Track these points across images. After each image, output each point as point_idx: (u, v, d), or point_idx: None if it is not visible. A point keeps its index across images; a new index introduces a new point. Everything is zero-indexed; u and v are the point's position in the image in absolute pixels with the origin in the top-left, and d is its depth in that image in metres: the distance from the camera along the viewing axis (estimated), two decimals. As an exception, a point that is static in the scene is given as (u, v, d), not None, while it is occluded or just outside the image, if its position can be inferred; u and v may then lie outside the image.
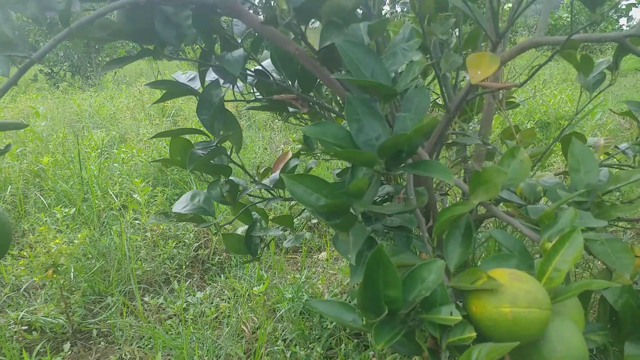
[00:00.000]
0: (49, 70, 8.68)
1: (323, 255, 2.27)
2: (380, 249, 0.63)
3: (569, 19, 11.06)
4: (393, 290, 0.64)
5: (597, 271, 1.68)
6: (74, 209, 2.45)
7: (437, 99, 1.56)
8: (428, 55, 1.06)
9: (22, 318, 1.77)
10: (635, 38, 0.94)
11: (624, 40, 0.93)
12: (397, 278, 0.63)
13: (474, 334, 0.63)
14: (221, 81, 1.02)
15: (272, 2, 0.84)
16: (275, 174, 1.21)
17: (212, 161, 1.08)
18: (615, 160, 1.46)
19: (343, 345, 1.55)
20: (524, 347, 0.67)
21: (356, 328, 0.70)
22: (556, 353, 0.66)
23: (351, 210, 0.80)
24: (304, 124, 1.51)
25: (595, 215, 0.88)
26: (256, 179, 1.21)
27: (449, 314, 0.64)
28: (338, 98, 1.43)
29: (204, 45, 0.99)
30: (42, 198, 2.79)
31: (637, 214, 1.00)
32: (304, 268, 2.16)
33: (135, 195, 2.49)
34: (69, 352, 1.68)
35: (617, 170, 1.30)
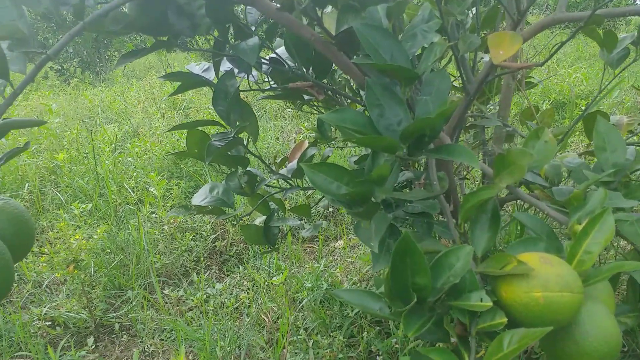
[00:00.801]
0: (60, 67, 8.72)
1: (340, 243, 2.26)
2: (407, 236, 0.61)
3: (581, -4, 10.83)
4: (421, 278, 0.63)
5: (622, 251, 1.66)
6: (91, 204, 2.47)
7: (453, 81, 1.53)
8: (445, 37, 1.04)
9: (45, 314, 1.80)
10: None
11: (649, 14, 0.90)
12: (425, 265, 0.62)
13: (505, 320, 0.62)
14: (236, 71, 1.00)
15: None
16: (293, 164, 1.20)
17: (229, 152, 1.07)
18: (637, 138, 1.43)
19: (365, 333, 1.55)
20: (555, 332, 0.65)
21: (383, 316, 0.69)
22: (589, 337, 0.65)
23: (372, 198, 0.78)
24: (316, 112, 1.50)
25: (624, 195, 0.86)
26: (273, 169, 1.20)
27: (478, 300, 0.63)
28: (352, 84, 1.41)
29: (217, 34, 0.98)
30: (59, 194, 2.81)
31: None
32: (322, 257, 2.16)
33: (151, 189, 2.50)
34: (93, 347, 1.70)
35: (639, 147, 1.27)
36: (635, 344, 1.28)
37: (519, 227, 1.73)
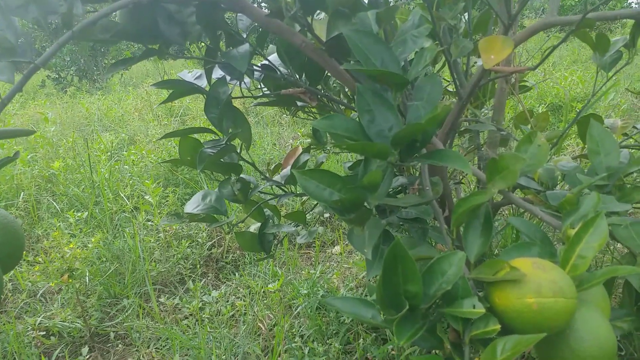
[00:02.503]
0: (57, 76, 8.73)
1: (337, 249, 2.25)
2: (398, 243, 0.61)
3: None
4: (413, 285, 0.62)
5: (618, 254, 1.65)
6: (87, 212, 2.46)
7: (447, 85, 1.53)
8: (437, 42, 1.04)
9: (39, 323, 1.78)
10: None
11: (641, 17, 0.90)
12: (416, 272, 0.62)
13: (498, 327, 0.61)
14: (228, 78, 1.00)
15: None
16: (286, 170, 1.19)
17: (222, 159, 1.07)
18: (632, 140, 1.43)
19: (361, 339, 1.54)
20: (550, 338, 0.65)
21: (376, 324, 0.68)
22: (584, 342, 0.64)
23: (365, 204, 0.78)
24: (312, 118, 1.49)
25: (618, 199, 0.86)
26: (267, 175, 1.20)
27: (471, 307, 0.62)
28: (346, 90, 1.41)
29: (208, 42, 0.97)
30: (54, 203, 2.80)
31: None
32: (318, 263, 2.15)
33: (146, 197, 2.49)
34: (88, 356, 1.69)
35: (634, 150, 1.27)
36: (632, 347, 1.27)
37: (514, 232, 1.72)
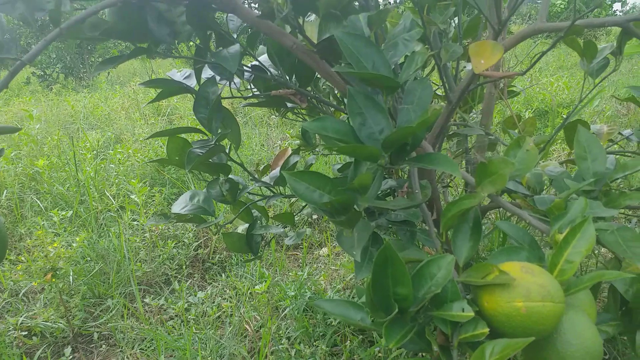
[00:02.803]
0: (42, 73, 8.61)
1: (324, 250, 2.25)
2: (388, 246, 0.61)
3: (562, 6, 11.04)
4: (402, 288, 0.62)
5: (603, 259, 1.67)
6: (71, 211, 2.43)
7: (436, 89, 1.54)
8: (427, 46, 1.04)
9: (21, 323, 1.75)
10: (638, 22, 0.93)
11: (628, 25, 0.92)
12: (406, 275, 0.62)
13: (487, 330, 0.61)
14: (217, 78, 0.99)
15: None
16: (276, 171, 1.19)
17: (210, 160, 1.06)
18: (617, 147, 1.45)
19: (348, 341, 1.53)
20: (537, 341, 0.65)
21: (365, 327, 0.68)
22: (571, 346, 0.64)
23: (355, 207, 0.78)
24: (301, 119, 1.49)
25: (604, 204, 0.87)
26: (256, 176, 1.19)
27: (460, 310, 0.62)
28: (336, 92, 1.41)
29: (198, 42, 0.97)
30: (38, 201, 2.76)
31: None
32: (306, 265, 2.15)
33: (132, 196, 2.47)
34: (70, 357, 1.66)
35: (619, 156, 1.29)
36: (616, 351, 1.29)
37: (501, 236, 1.74)
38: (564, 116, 3.63)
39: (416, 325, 0.65)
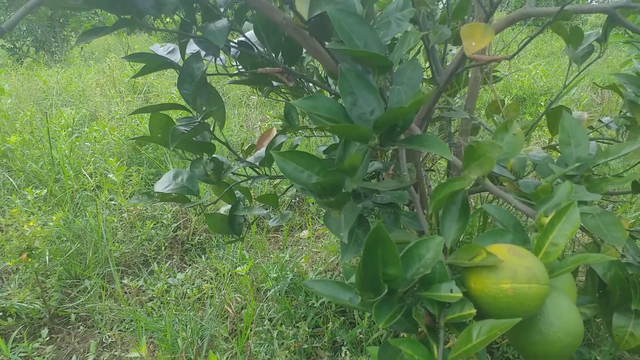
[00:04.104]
0: (12, 46, 8.30)
1: (305, 233, 2.25)
2: (380, 227, 0.60)
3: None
4: (392, 269, 0.62)
5: (579, 244, 1.72)
6: (46, 190, 2.37)
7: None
8: (417, 27, 1.03)
9: (-5, 304, 1.72)
10: (624, 9, 0.93)
11: (614, 12, 0.92)
12: (396, 256, 0.62)
13: (474, 311, 0.62)
14: (203, 53, 0.97)
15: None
16: (261, 151, 1.17)
17: (194, 138, 1.04)
18: (595, 134, 1.47)
19: (330, 323, 1.54)
20: (520, 322, 0.66)
21: (354, 307, 0.68)
22: (553, 327, 0.66)
23: (343, 188, 0.77)
24: (284, 99, 1.47)
25: (587, 189, 0.88)
26: (240, 156, 1.17)
27: (449, 291, 0.62)
28: (321, 72, 1.39)
29: (183, 15, 0.94)
30: (10, 179, 2.68)
31: (627, 187, 1.01)
32: (287, 247, 2.15)
33: (110, 175, 2.42)
34: (47, 338, 1.63)
35: (599, 142, 1.31)
36: (590, 333, 1.33)
37: (481, 220, 1.76)
38: (542, 103, 3.68)
39: (405, 306, 0.65)
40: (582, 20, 10.63)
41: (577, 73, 1.20)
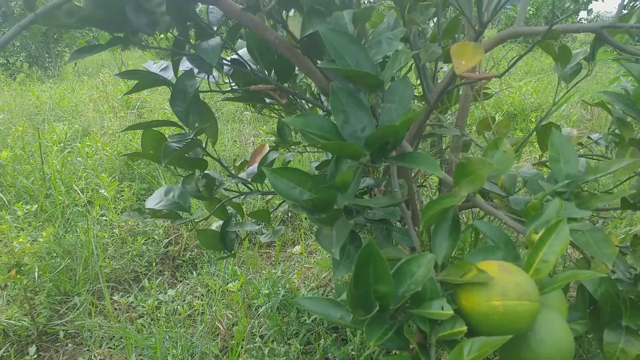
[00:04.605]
0: (5, 61, 8.30)
1: (297, 248, 2.24)
2: (371, 244, 0.61)
3: (531, 12, 11.30)
4: (384, 286, 0.62)
5: (570, 259, 1.72)
6: (36, 205, 2.35)
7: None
8: (408, 46, 1.05)
9: (-18, 321, 1.69)
10: (611, 29, 0.95)
11: (601, 31, 0.94)
12: (387, 273, 0.62)
13: (465, 328, 0.62)
14: (196, 71, 0.97)
15: (251, -11, 0.81)
16: (253, 167, 1.17)
17: (186, 154, 1.04)
18: (585, 150, 1.49)
19: (322, 340, 1.53)
20: (511, 340, 0.66)
21: (345, 325, 0.68)
22: (544, 344, 0.66)
23: (335, 205, 0.77)
24: (277, 116, 1.48)
25: (576, 205, 0.89)
26: (232, 172, 1.18)
27: (440, 309, 0.63)
28: (313, 89, 1.40)
29: (177, 33, 0.95)
30: (1, 194, 2.66)
31: (617, 203, 1.02)
32: (279, 262, 2.14)
33: (101, 191, 2.41)
34: (35, 356, 1.61)
35: (589, 159, 1.32)
36: (581, 349, 1.33)
37: (472, 236, 1.77)
38: (533, 120, 3.72)
39: (396, 323, 0.65)
40: (571, 38, 10.81)
41: (566, 90, 1.22)
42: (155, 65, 1.08)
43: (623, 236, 2.02)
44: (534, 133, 1.26)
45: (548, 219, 0.74)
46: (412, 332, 0.69)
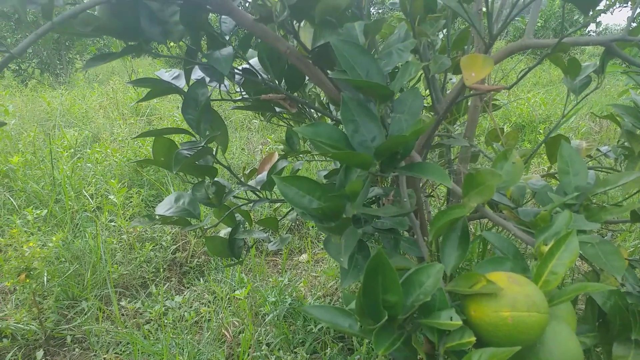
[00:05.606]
0: (17, 67, 8.41)
1: (304, 257, 2.24)
2: (380, 253, 0.61)
3: (539, 24, 11.31)
4: (392, 295, 0.63)
5: (578, 271, 1.71)
6: (46, 210, 2.37)
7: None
8: (418, 57, 1.05)
9: (-9, 325, 1.70)
10: (620, 42, 0.96)
11: (611, 44, 0.94)
12: (397, 282, 0.62)
13: (473, 339, 0.62)
14: (207, 79, 0.99)
15: (264, 0, 0.82)
16: (262, 175, 1.18)
17: (197, 162, 1.05)
18: (594, 162, 1.48)
19: (328, 349, 1.53)
20: (520, 351, 0.66)
21: (353, 334, 0.68)
22: (553, 356, 0.66)
23: (344, 214, 0.78)
24: (285, 124, 1.49)
25: (585, 218, 0.89)
26: (242, 180, 1.18)
27: (448, 319, 0.63)
28: (322, 99, 1.41)
29: (189, 42, 0.96)
30: (11, 199, 2.69)
31: (626, 216, 1.02)
32: (285, 270, 2.14)
33: (111, 197, 2.42)
34: (42, 360, 1.62)
35: (598, 171, 1.32)
36: (590, 362, 1.31)
37: (480, 247, 1.76)
38: (541, 131, 3.71)
39: (404, 333, 0.65)
40: (580, 50, 10.78)
41: (575, 103, 1.22)
42: (167, 74, 1.09)
43: (632, 249, 2.00)
44: (543, 145, 1.27)
45: (557, 230, 0.74)
46: (420, 342, 0.69)
